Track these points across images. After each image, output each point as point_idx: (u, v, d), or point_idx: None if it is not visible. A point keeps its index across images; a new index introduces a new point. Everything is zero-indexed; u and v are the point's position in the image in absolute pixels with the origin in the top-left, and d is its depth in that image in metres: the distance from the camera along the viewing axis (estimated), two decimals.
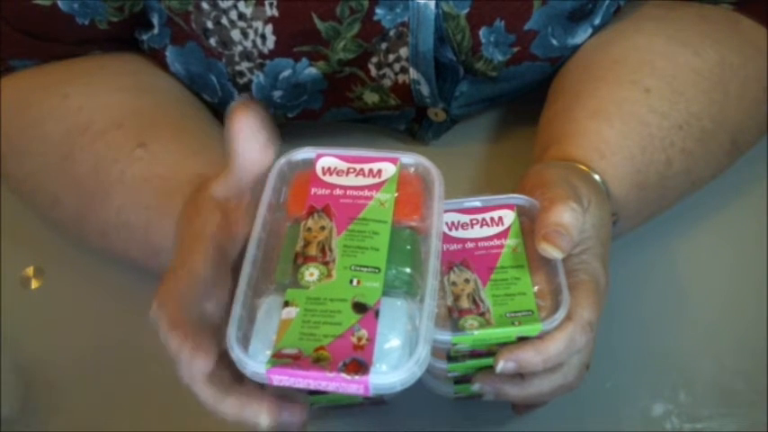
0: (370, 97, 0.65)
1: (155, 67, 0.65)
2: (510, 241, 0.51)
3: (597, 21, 0.63)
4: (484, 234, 0.52)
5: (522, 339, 0.48)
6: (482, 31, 0.61)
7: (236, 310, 0.44)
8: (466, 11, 0.60)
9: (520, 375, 0.50)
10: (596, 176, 0.56)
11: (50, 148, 0.61)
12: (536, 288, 0.50)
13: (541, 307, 0.49)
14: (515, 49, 0.62)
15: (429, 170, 0.50)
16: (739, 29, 0.63)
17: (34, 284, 0.66)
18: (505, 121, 0.72)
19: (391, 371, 0.42)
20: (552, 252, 0.48)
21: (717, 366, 0.59)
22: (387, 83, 0.64)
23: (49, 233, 0.67)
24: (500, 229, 0.52)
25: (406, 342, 0.44)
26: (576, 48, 0.64)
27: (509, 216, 0.52)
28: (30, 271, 0.66)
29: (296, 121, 0.67)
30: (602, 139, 0.58)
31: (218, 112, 0.67)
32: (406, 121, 0.70)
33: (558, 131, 0.61)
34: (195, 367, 0.44)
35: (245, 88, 0.63)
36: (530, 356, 0.47)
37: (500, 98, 0.70)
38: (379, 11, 0.59)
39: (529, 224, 0.52)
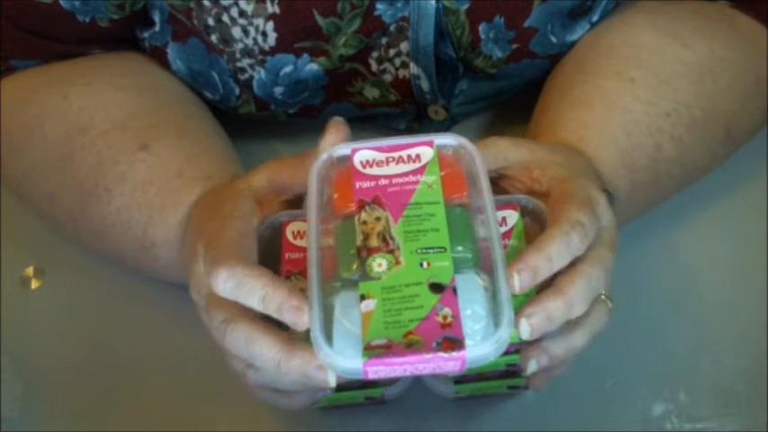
0: (371, 92, 0.65)
1: (156, 67, 0.65)
2: (513, 242, 0.51)
3: (595, 18, 0.63)
4: None
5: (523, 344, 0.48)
6: (482, 27, 0.61)
7: (316, 312, 0.44)
8: (466, 6, 0.60)
9: (559, 332, 0.48)
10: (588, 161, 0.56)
11: (49, 147, 0.61)
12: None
13: None
14: (515, 46, 0.62)
15: (465, 147, 0.50)
16: (734, 23, 0.63)
17: (34, 284, 0.65)
18: (504, 120, 0.72)
19: (482, 342, 0.43)
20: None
21: (717, 366, 0.59)
22: (387, 78, 0.64)
23: (49, 233, 0.66)
24: (504, 229, 0.51)
25: (488, 312, 0.44)
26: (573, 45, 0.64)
27: (513, 216, 0.52)
28: (30, 271, 0.66)
29: (296, 117, 0.67)
30: (583, 125, 0.58)
31: (220, 110, 0.67)
32: (406, 120, 0.70)
33: (541, 123, 0.61)
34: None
35: (247, 85, 0.63)
36: (539, 270, 0.46)
37: (500, 96, 0.70)
38: (379, 6, 0.59)
39: (532, 224, 0.52)
